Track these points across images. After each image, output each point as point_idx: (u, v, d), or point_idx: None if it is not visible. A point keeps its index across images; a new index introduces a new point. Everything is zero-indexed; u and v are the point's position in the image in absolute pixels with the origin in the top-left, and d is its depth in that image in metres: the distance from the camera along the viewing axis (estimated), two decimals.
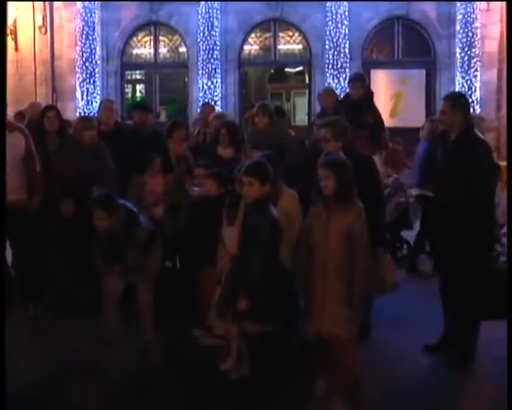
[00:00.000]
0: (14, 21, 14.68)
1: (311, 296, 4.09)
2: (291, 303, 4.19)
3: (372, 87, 7.20)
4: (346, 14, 14.30)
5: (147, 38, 15.66)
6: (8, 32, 14.56)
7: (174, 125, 6.59)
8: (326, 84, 14.21)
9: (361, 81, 6.82)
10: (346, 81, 13.89)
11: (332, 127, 4.71)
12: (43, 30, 14.96)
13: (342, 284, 3.97)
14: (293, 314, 4.19)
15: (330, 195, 3.99)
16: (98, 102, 13.79)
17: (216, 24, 14.56)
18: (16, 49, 14.97)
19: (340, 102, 7.13)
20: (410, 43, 14.94)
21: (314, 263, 4.05)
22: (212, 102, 13.32)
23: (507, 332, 4.09)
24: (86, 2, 14.64)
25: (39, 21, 14.91)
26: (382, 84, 14.57)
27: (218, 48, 14.60)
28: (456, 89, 13.67)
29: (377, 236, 4.52)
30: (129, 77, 16.55)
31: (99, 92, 14.84)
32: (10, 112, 6.98)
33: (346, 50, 14.35)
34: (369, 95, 6.88)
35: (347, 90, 7.48)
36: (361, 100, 6.55)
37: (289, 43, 15.52)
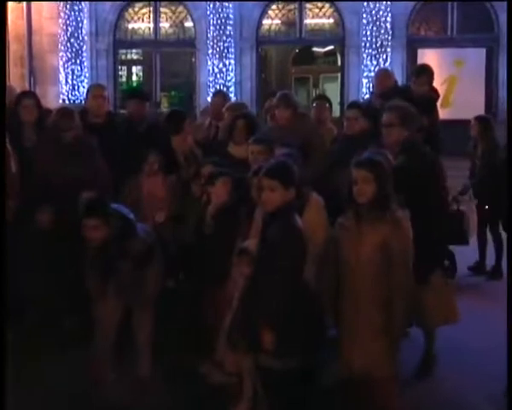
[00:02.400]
0: None
1: (341, 326, 4.12)
2: (318, 333, 4.20)
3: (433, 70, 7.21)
4: None
5: (145, 10, 15.79)
6: None
7: (177, 115, 6.63)
8: (362, 68, 14.26)
9: (428, 76, 6.87)
10: (387, 64, 14.10)
11: (399, 111, 4.78)
12: None
13: (377, 311, 3.98)
14: (320, 346, 4.20)
15: (366, 202, 4.01)
16: (86, 87, 13.91)
17: None
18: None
19: (398, 92, 7.15)
20: (467, 16, 14.93)
21: (343, 285, 4.07)
22: (225, 89, 13.40)
23: (507, 332, 4.19)
24: None
25: None
26: (432, 67, 14.54)
27: (231, 22, 14.70)
28: None
29: (434, 254, 4.54)
30: (123, 57, 16.70)
31: (87, 75, 15.01)
32: None
33: (388, 26, 14.38)
34: (433, 95, 6.94)
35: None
36: (423, 98, 6.58)
37: (318, 17, 15.58)
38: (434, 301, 4.65)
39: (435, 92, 7.09)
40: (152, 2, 15.65)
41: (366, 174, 4.00)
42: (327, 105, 7.36)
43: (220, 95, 8.25)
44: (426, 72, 6.94)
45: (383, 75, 7.62)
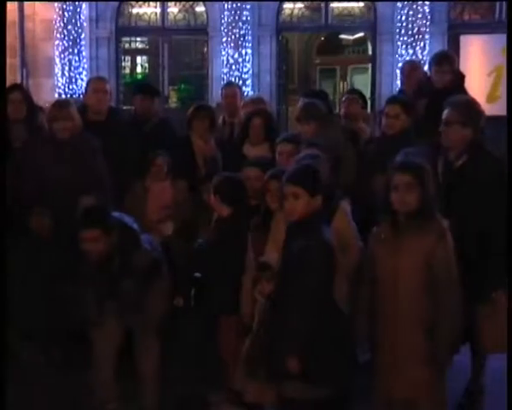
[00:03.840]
0: None
1: (378, 351, 4.10)
2: (350, 358, 4.18)
3: (462, 60, 7.16)
4: None
5: None
6: None
7: (197, 111, 6.60)
8: (397, 57, 14.21)
9: (449, 63, 6.79)
10: (425, 53, 14.04)
11: (460, 108, 4.80)
12: None
13: (420, 335, 3.96)
14: (353, 374, 4.18)
15: (406, 212, 4.00)
16: (85, 79, 13.98)
17: None
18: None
19: (420, 86, 7.12)
20: None
21: (379, 305, 4.06)
22: (241, 82, 13.40)
23: (507, 333, 4.19)
24: None
25: None
26: (477, 56, 14.46)
27: (248, 6, 14.71)
28: None
29: (498, 269, 4.50)
30: (127, 46, 16.78)
31: (86, 66, 15.05)
32: None
33: (426, 9, 14.33)
34: (458, 82, 6.86)
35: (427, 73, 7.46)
36: (446, 88, 6.54)
37: (346, 0, 15.55)
38: (493, 323, 4.55)
39: (459, 78, 7.00)
40: None
41: (409, 180, 4.00)
42: (359, 101, 7.29)
43: (233, 86, 8.15)
44: (445, 58, 6.87)
45: (409, 68, 7.57)
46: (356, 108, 7.09)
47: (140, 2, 15.83)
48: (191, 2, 15.68)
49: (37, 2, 15.27)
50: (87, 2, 15.15)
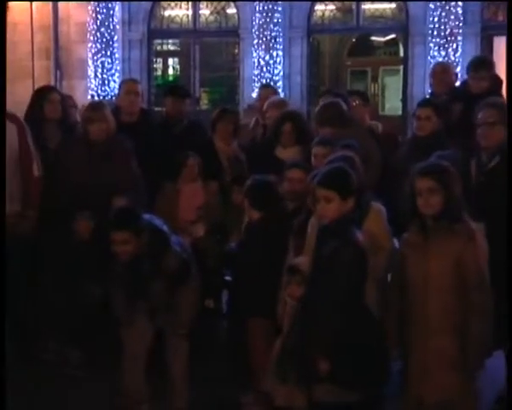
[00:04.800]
0: None
1: (408, 356, 4.08)
2: (382, 363, 4.15)
3: (496, 62, 7.05)
4: None
5: None
6: None
7: (222, 113, 6.63)
8: (429, 59, 14.11)
9: (487, 69, 6.72)
10: (458, 55, 13.93)
11: (501, 108, 4.83)
12: None
13: (451, 340, 3.93)
14: (384, 378, 4.15)
15: (431, 215, 3.98)
16: (117, 81, 14.07)
17: None
18: (6, 6, 15.35)
19: (454, 90, 7.06)
20: None
21: (410, 310, 4.03)
22: (272, 84, 13.38)
23: (507, 333, 4.18)
24: None
25: None
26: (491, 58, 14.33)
27: (279, 9, 14.71)
28: None
29: None
30: (159, 48, 16.87)
31: (118, 68, 15.16)
32: None
33: (459, 10, 14.20)
34: (495, 87, 6.79)
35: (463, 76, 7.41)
36: (483, 94, 6.47)
37: (378, 2, 15.49)
38: None
39: (497, 84, 6.92)
40: None
41: (431, 184, 3.98)
42: (356, 101, 7.16)
43: (269, 89, 8.18)
44: (483, 64, 6.80)
45: (440, 70, 7.49)
46: (358, 111, 6.98)
47: (172, 5, 15.88)
48: (223, 5, 15.71)
49: (71, 5, 15.39)
50: (120, 5, 15.25)
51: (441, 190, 3.96)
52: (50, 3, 15.30)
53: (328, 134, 5.90)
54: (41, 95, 6.28)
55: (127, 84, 6.91)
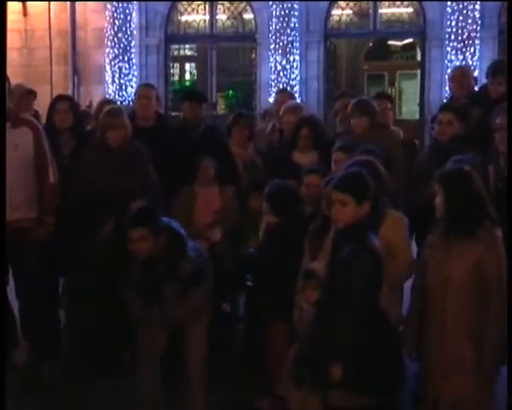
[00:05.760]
0: None
1: (425, 360, 4.09)
2: (398, 367, 4.14)
3: None
4: None
5: (200, 1, 15.93)
6: None
7: (238, 118, 6.66)
8: (446, 63, 14.06)
9: (503, 74, 6.72)
10: (475, 58, 13.87)
11: None
12: None
13: (469, 344, 3.94)
14: (400, 383, 4.14)
15: (443, 218, 4.04)
16: (134, 86, 14.12)
17: None
18: (25, 13, 15.45)
19: (473, 94, 7.05)
20: None
21: (429, 313, 4.03)
22: (288, 88, 13.41)
23: (507, 333, 4.09)
24: None
25: None
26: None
27: (296, 13, 14.71)
28: None
29: None
30: (176, 53, 16.89)
31: (135, 74, 15.22)
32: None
33: (476, 14, 14.15)
34: None
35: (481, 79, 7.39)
36: (502, 99, 6.47)
37: (395, 6, 15.46)
38: None
39: None
40: None
41: (437, 187, 4.06)
42: (388, 104, 7.22)
43: (286, 93, 8.22)
44: (501, 69, 6.78)
45: (460, 74, 7.48)
46: (384, 114, 6.99)
47: (189, 10, 15.92)
48: (240, 10, 15.74)
49: (88, 11, 15.48)
50: (137, 11, 15.32)
51: (442, 192, 4.02)
52: (68, 9, 15.36)
53: (364, 126, 5.97)
54: (51, 105, 6.36)
55: (141, 90, 6.97)
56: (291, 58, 14.61)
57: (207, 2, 15.77)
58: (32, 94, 7.05)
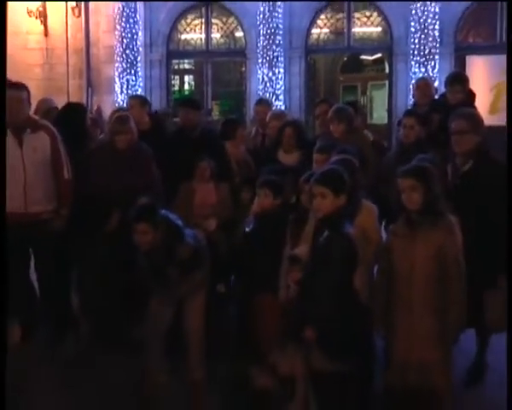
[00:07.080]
0: (44, 2, 15.10)
1: (393, 336, 4.07)
2: (368, 340, 4.14)
3: (468, 77, 7.08)
4: None
5: (197, 21, 15.91)
6: (37, 14, 15.01)
7: (234, 123, 6.65)
8: (410, 75, 14.08)
9: (462, 84, 6.73)
10: (435, 71, 13.89)
11: (470, 119, 4.82)
12: (76, 12, 15.29)
13: (433, 320, 3.94)
14: (371, 353, 4.14)
15: (415, 210, 4.00)
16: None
17: (278, 3, 14.63)
18: (46, 34, 15.41)
19: (434, 101, 7.07)
20: None
21: (396, 294, 4.02)
22: (274, 97, 13.39)
23: (507, 332, 4.16)
24: None
25: (72, 2, 15.26)
26: (480, 74, 14.22)
27: (280, 32, 14.69)
28: None
29: (499, 259, 4.46)
30: (176, 67, 16.85)
31: (141, 84, 15.17)
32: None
33: (436, 33, 14.16)
34: (468, 100, 6.79)
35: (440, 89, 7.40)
36: (458, 105, 6.48)
37: (366, 26, 15.46)
38: (498, 305, 4.49)
39: (470, 98, 6.92)
40: (204, 14, 15.74)
41: (412, 182, 4.00)
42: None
43: (263, 103, 8.21)
44: (458, 80, 6.81)
45: (424, 84, 7.50)
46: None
47: (187, 29, 15.89)
48: (231, 29, 15.72)
49: (100, 31, 15.43)
50: (143, 31, 15.29)
51: (421, 187, 3.97)
52: (83, 30, 15.33)
53: (342, 131, 5.96)
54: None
55: (132, 102, 7.14)
56: (276, 71, 14.59)
57: (203, 23, 15.78)
58: (55, 110, 6.99)
